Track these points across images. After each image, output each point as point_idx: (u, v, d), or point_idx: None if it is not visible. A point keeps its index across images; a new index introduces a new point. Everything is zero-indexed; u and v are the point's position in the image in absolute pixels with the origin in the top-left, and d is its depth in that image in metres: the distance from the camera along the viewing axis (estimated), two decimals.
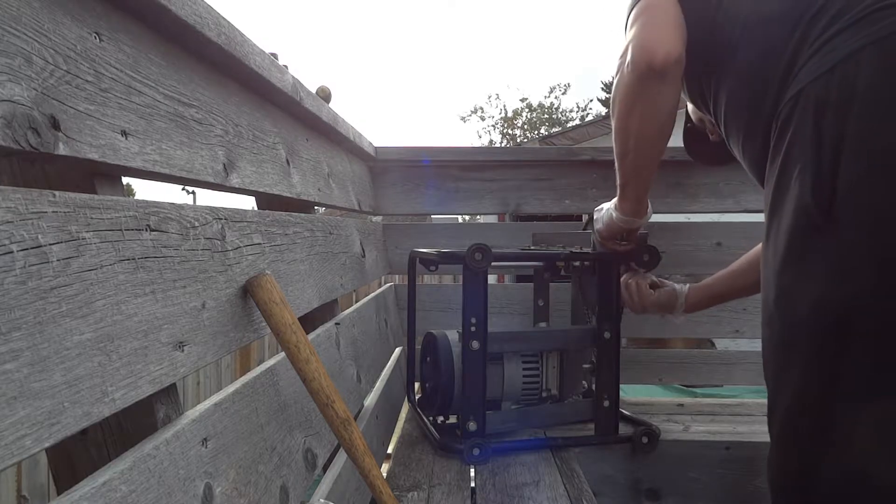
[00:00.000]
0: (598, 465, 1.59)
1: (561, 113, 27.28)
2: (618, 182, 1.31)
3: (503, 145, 24.01)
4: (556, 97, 34.15)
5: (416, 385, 1.74)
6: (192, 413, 0.66)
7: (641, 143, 1.22)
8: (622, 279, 1.57)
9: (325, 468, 1.03)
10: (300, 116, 1.18)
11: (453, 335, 1.49)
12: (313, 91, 1.21)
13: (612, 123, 1.22)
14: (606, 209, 1.43)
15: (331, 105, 1.35)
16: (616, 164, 1.28)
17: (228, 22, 0.79)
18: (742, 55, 1.07)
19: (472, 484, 1.29)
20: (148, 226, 0.61)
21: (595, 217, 1.51)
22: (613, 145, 1.25)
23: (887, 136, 0.85)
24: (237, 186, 0.86)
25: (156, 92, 0.67)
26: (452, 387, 1.45)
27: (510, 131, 26.75)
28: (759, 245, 1.52)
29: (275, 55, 0.98)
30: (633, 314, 1.64)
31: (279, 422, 0.84)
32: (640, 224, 1.40)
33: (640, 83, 1.11)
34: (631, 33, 1.11)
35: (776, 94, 1.00)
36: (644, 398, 2.15)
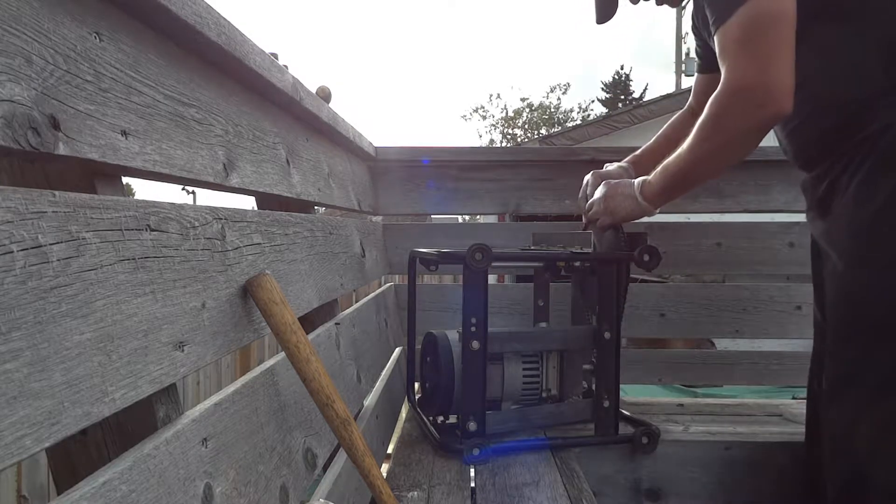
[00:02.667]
0: (598, 465, 1.59)
1: (562, 113, 27.30)
2: (661, 181, 1.31)
3: (503, 145, 24.02)
4: (557, 98, 34.09)
5: (416, 385, 1.74)
6: (192, 413, 0.66)
7: (718, 170, 1.27)
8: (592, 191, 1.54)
9: (325, 468, 1.03)
10: (300, 116, 1.18)
11: (453, 335, 1.49)
12: (313, 91, 1.21)
13: (695, 145, 1.18)
14: (629, 196, 1.39)
15: (331, 105, 1.35)
16: (669, 170, 1.27)
17: (228, 22, 0.79)
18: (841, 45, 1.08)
19: (472, 484, 1.29)
20: (148, 226, 0.61)
21: (607, 193, 1.44)
22: (681, 159, 1.23)
23: None
24: (237, 186, 0.86)
25: (156, 92, 0.67)
26: (452, 387, 1.45)
27: (511, 131, 26.77)
28: (677, 116, 1.62)
29: (275, 55, 0.98)
30: (632, 314, 1.64)
31: (279, 422, 0.84)
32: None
33: (762, 129, 1.09)
34: (756, 53, 1.03)
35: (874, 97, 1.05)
36: (644, 398, 2.15)
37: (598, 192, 1.49)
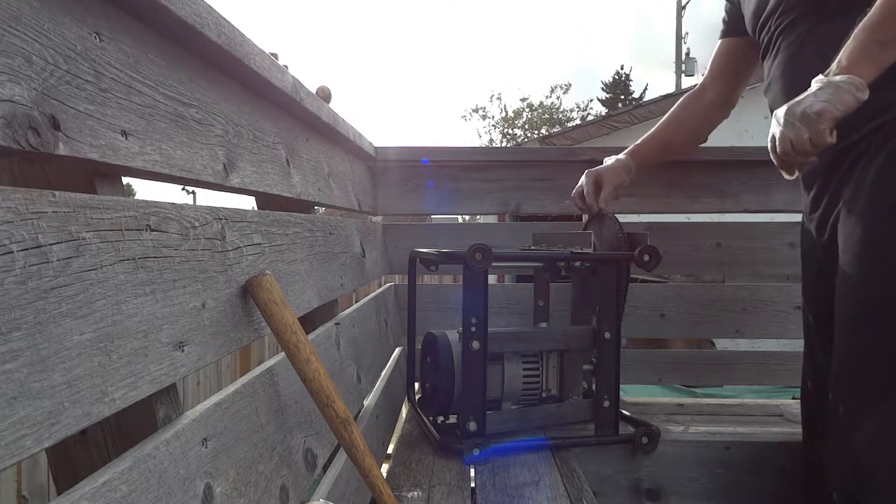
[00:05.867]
0: (598, 465, 1.59)
1: (561, 113, 27.31)
2: (877, 52, 1.03)
3: (503, 145, 24.03)
4: (557, 97, 34.03)
5: (416, 385, 1.74)
6: (192, 413, 0.66)
7: None
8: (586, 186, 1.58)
9: (325, 468, 1.03)
10: (300, 116, 1.18)
11: (453, 335, 1.49)
12: (313, 91, 1.21)
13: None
14: (833, 93, 1.02)
15: (331, 105, 1.35)
16: (884, 35, 1.04)
17: (228, 22, 0.79)
18: None
19: (472, 484, 1.29)
20: (148, 226, 0.61)
21: (789, 110, 1.07)
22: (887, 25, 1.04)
23: None
24: (237, 186, 0.86)
25: (156, 92, 0.67)
26: (452, 387, 1.45)
27: (511, 131, 26.77)
28: (685, 98, 1.62)
29: (275, 55, 0.98)
30: (632, 314, 1.63)
31: (279, 422, 0.84)
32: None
33: None
34: None
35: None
36: (644, 398, 2.15)
37: (776, 125, 1.10)
